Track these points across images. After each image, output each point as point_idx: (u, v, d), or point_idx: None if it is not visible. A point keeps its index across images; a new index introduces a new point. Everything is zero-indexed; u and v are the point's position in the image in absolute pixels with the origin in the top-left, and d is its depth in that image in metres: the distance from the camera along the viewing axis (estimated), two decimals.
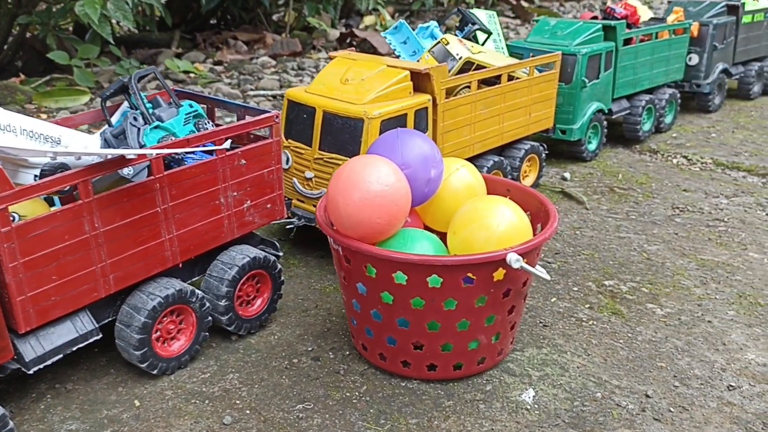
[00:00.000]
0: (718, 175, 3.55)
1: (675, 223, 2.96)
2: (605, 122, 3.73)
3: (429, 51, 2.76)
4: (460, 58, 2.69)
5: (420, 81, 2.56)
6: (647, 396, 1.86)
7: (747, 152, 3.88)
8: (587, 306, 2.31)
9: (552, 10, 10.02)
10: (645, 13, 4.21)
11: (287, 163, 2.59)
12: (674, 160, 3.80)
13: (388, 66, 2.54)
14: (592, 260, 2.63)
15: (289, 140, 2.58)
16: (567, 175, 3.48)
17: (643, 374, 1.95)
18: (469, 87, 2.74)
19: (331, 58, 2.73)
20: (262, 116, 2.07)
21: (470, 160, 2.90)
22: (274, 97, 5.34)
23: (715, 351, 2.06)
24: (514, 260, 1.70)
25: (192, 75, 5.90)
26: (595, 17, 4.00)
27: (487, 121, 2.86)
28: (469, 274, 1.73)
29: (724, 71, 4.66)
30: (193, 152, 1.95)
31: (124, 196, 1.77)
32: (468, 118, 2.76)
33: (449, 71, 2.70)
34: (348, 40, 7.35)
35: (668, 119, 4.26)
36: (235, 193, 2.04)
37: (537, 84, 3.07)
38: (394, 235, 1.86)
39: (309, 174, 2.50)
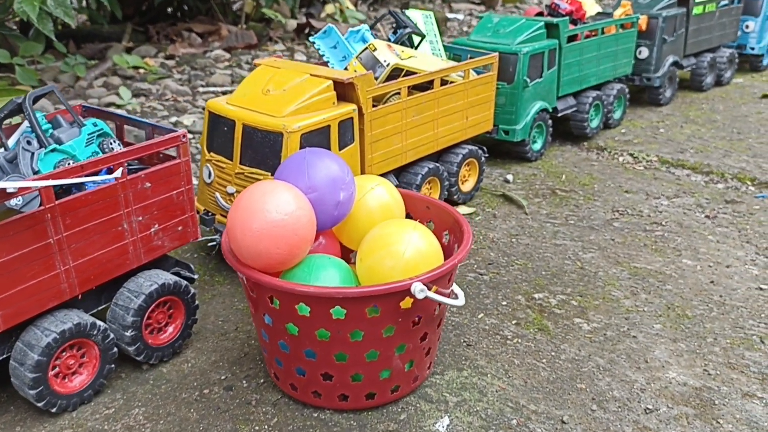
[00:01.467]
0: (661, 174, 3.53)
1: (613, 228, 2.93)
2: (550, 121, 3.68)
3: (357, 57, 2.68)
4: (388, 65, 2.61)
5: (345, 90, 2.48)
6: (563, 422, 1.82)
7: (693, 149, 3.86)
8: (514, 322, 2.26)
9: None
10: (592, 8, 4.15)
11: (209, 177, 2.50)
12: (620, 158, 3.76)
13: (311, 75, 2.46)
14: (525, 271, 2.58)
15: (211, 153, 2.49)
16: (509, 177, 3.43)
17: (562, 397, 1.91)
18: (399, 94, 2.67)
19: (255, 66, 2.64)
20: (168, 136, 1.98)
21: (403, 168, 2.84)
22: (224, 93, 5.22)
23: (636, 369, 2.02)
24: (419, 290, 1.64)
25: (142, 71, 5.75)
26: (541, 13, 3.94)
27: (420, 127, 2.80)
28: (374, 305, 1.67)
29: (675, 64, 4.63)
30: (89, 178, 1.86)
31: (10, 229, 1.67)
32: (398, 126, 2.69)
33: (377, 78, 2.63)
34: (306, 31, 7.23)
35: (617, 115, 4.22)
36: (141, 218, 1.95)
37: (473, 87, 3.00)
38: (300, 263, 1.79)
39: (231, 189, 2.42)
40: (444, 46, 3.30)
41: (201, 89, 5.23)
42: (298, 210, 1.70)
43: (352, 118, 2.47)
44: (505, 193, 3.24)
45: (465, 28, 8.05)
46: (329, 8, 8.05)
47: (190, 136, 4.06)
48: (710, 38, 4.93)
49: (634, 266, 2.62)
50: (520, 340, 2.17)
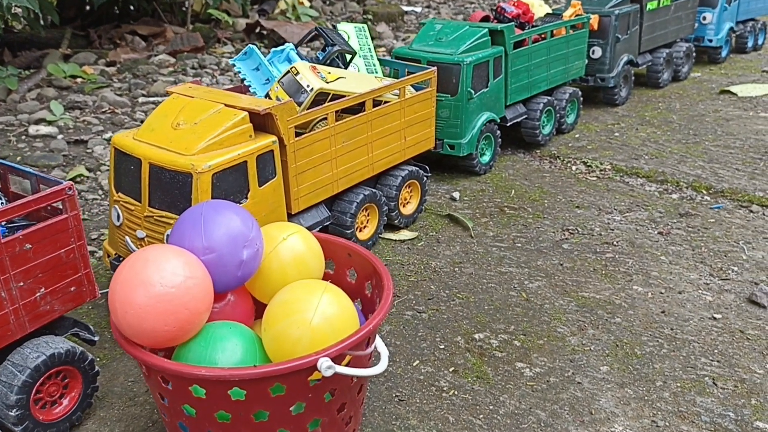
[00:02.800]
0: (615, 185, 3.38)
1: (561, 251, 2.77)
2: (499, 132, 3.51)
3: (278, 82, 2.47)
4: (312, 90, 2.40)
5: (264, 120, 2.28)
6: None
7: (648, 154, 3.72)
8: (451, 369, 2.10)
9: None
10: (540, 9, 3.99)
11: (118, 220, 2.28)
12: (573, 167, 3.61)
13: (225, 106, 2.25)
14: (466, 306, 2.42)
15: (119, 194, 2.27)
16: (456, 194, 3.25)
17: None
18: (326, 119, 2.47)
19: (167, 94, 2.42)
20: (50, 190, 1.76)
21: (337, 196, 2.65)
22: None
23: (580, 424, 1.87)
24: (326, 367, 1.45)
25: (79, 80, 5.47)
26: (487, 17, 3.75)
27: (353, 153, 2.60)
28: (277, 384, 1.48)
29: (630, 62, 4.48)
30: None
31: None
32: (327, 153, 2.49)
33: (301, 104, 2.42)
34: (257, 30, 6.97)
35: (570, 119, 4.07)
36: (22, 283, 1.74)
37: (410, 105, 2.81)
38: (198, 335, 1.60)
39: (141, 233, 2.20)
40: (380, 60, 3.10)
41: (141, 99, 4.97)
42: (189, 280, 1.50)
43: (272, 151, 2.27)
44: (451, 214, 3.06)
45: (424, 21, 7.85)
46: (282, 4, 7.79)
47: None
48: (666, 33, 4.79)
49: (582, 296, 2.46)
50: (456, 392, 2.00)
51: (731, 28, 5.50)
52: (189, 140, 2.15)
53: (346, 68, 2.79)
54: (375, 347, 1.68)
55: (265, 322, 1.62)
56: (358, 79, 2.65)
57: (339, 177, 2.58)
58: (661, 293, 2.47)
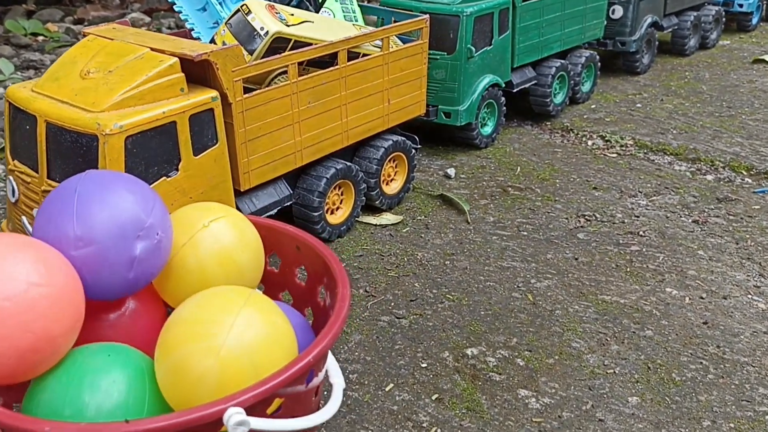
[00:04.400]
0: (638, 163, 2.87)
1: (576, 242, 2.27)
2: (503, 98, 3.00)
3: (226, 23, 1.96)
4: (267, 34, 1.89)
5: (204, 71, 1.78)
6: None
7: (676, 129, 3.20)
8: (435, 397, 1.62)
9: None
10: None
11: (14, 195, 1.79)
12: (589, 142, 3.10)
13: (151, 50, 1.74)
14: (458, 310, 1.93)
15: (15, 162, 1.78)
16: (451, 171, 2.75)
17: None
18: (286, 73, 1.96)
19: (83, 36, 1.91)
20: None
21: (302, 170, 2.15)
22: None
23: None
24: (234, 423, 0.97)
25: (41, 38, 4.95)
26: None
27: (322, 117, 2.10)
28: None
29: (654, 25, 3.95)
30: None
31: None
32: (288, 116, 1.99)
33: (255, 52, 1.91)
34: None
35: (586, 87, 3.54)
36: None
37: (396, 61, 2.30)
38: (60, 365, 1.11)
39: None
40: (362, 6, 2.57)
41: None
42: (35, 288, 1.01)
43: (211, 110, 1.77)
44: (444, 194, 2.56)
45: None
46: None
47: None
48: None
49: (602, 299, 1.97)
50: (440, 430, 1.52)
51: None
52: (99, 93, 1.65)
53: (317, 12, 2.27)
54: (326, 373, 1.20)
55: (159, 347, 1.13)
56: (330, 24, 2.14)
57: (304, 146, 2.08)
58: (702, 298, 1.98)
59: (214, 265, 1.31)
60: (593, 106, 3.51)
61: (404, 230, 2.36)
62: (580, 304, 1.95)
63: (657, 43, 4.08)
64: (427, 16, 2.39)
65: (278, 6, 2.01)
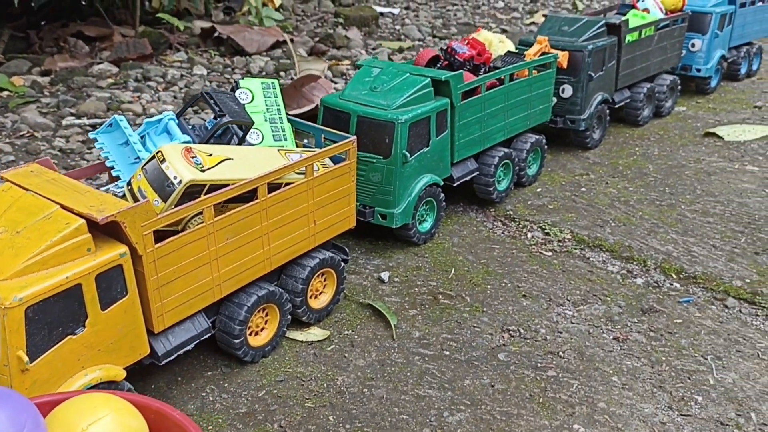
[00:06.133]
0: (572, 264, 2.92)
1: (496, 364, 2.32)
2: (442, 195, 3.05)
3: (142, 169, 2.00)
4: (180, 183, 1.93)
5: (113, 223, 1.82)
6: None
7: (615, 220, 3.26)
8: None
9: None
10: (501, 46, 3.50)
11: None
12: (529, 235, 3.15)
13: (61, 207, 1.78)
14: None
15: None
16: (385, 275, 2.79)
17: None
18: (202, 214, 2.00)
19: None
20: None
21: (226, 298, 2.19)
22: (93, 127, 4.47)
23: None
24: None
25: (6, 93, 4.97)
26: (437, 57, 3.27)
27: (242, 249, 2.14)
28: None
29: (605, 101, 4.01)
30: None
31: None
32: (204, 256, 2.03)
33: (168, 200, 1.95)
34: (215, 35, 6.44)
35: (532, 171, 3.60)
36: None
37: (322, 184, 2.34)
38: None
39: None
40: (293, 120, 2.61)
41: (67, 121, 4.48)
42: None
43: (120, 266, 1.81)
44: (373, 304, 2.61)
45: (398, 27, 7.34)
46: (248, 2, 7.23)
47: None
48: (648, 66, 4.31)
49: None
50: None
51: (722, 56, 5.02)
52: (4, 257, 1.69)
53: (241, 140, 2.31)
54: None
55: None
56: (253, 157, 2.18)
57: (223, 280, 2.12)
58: None
59: None
60: (539, 190, 3.57)
61: (329, 348, 2.40)
62: None
63: (608, 116, 4.14)
64: (354, 137, 2.43)
65: (196, 148, 2.04)
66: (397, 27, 7.37)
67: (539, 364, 2.32)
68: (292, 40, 6.41)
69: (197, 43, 6.32)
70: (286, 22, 7.19)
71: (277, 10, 7.43)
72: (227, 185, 2.04)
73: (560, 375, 2.28)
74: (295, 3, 8.11)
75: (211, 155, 2.05)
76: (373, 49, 6.52)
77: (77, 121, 4.49)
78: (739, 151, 4.03)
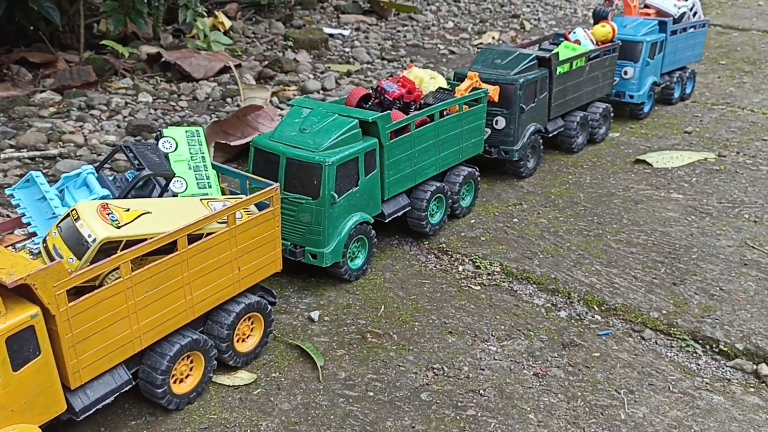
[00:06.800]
0: (499, 297, 3.01)
1: (418, 404, 2.38)
2: (373, 232, 3.11)
3: (57, 226, 2.02)
4: (94, 241, 1.96)
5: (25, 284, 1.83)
6: None
7: (543, 252, 3.36)
8: None
9: (416, 7, 9.32)
10: (433, 83, 3.59)
11: None
12: (460, 268, 3.23)
13: None
14: None
15: None
16: (315, 315, 2.84)
17: None
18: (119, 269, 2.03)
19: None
20: None
21: (149, 348, 2.21)
22: (32, 159, 4.44)
23: None
24: None
25: None
26: (368, 95, 3.34)
27: (162, 300, 2.17)
28: None
29: (538, 131, 4.13)
30: None
31: None
32: (122, 310, 2.05)
33: (82, 259, 1.97)
34: (162, 60, 6.42)
35: (465, 203, 3.69)
36: None
37: (246, 230, 2.38)
38: None
39: None
40: (219, 167, 2.65)
41: (5, 154, 4.43)
42: None
43: (31, 327, 1.83)
44: (301, 345, 2.65)
45: (348, 49, 7.41)
46: (203, 23, 7.21)
47: None
48: (580, 96, 4.45)
49: None
50: None
51: (654, 82, 5.20)
52: None
53: (163, 190, 2.34)
54: None
55: None
56: (173, 209, 2.21)
57: (143, 332, 2.14)
58: None
59: None
60: (473, 221, 3.66)
61: (256, 392, 2.43)
62: None
63: (542, 145, 4.27)
64: (277, 184, 2.48)
65: (113, 203, 2.07)
66: (347, 49, 7.44)
67: (460, 403, 2.39)
68: (240, 65, 6.43)
69: (144, 69, 6.30)
70: (236, 45, 7.21)
71: (226, 32, 7.45)
72: (145, 239, 2.06)
73: (479, 414, 2.35)
74: (246, 25, 8.14)
75: (128, 210, 2.08)
76: (322, 72, 6.58)
77: (16, 154, 4.45)
78: (666, 179, 4.19)
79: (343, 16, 8.91)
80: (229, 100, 5.74)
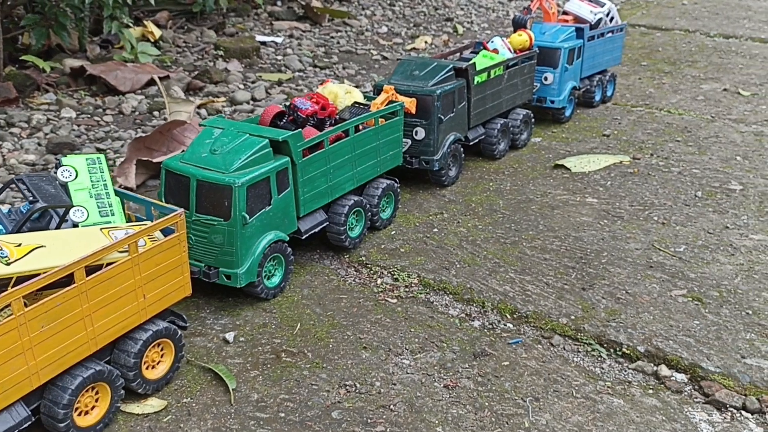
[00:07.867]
0: (415, 310, 3.07)
1: (329, 423, 2.41)
2: (289, 250, 3.13)
3: None
4: None
5: None
6: None
7: (461, 261, 3.44)
8: None
9: (350, 12, 9.34)
10: (348, 97, 3.62)
11: None
12: (379, 281, 3.28)
13: None
14: None
15: None
16: (230, 336, 2.84)
17: None
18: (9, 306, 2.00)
19: None
20: None
21: (50, 381, 2.18)
22: None
23: None
24: None
25: None
26: (282, 113, 3.35)
27: (60, 335, 2.14)
28: None
29: (458, 141, 4.21)
30: None
31: None
32: (15, 347, 2.02)
33: None
34: (86, 74, 6.28)
35: (386, 215, 3.74)
36: None
37: (150, 258, 2.37)
38: None
39: None
40: (122, 193, 2.63)
41: None
42: None
43: None
44: (214, 368, 2.65)
45: (280, 57, 7.39)
46: (134, 32, 7.08)
47: None
48: (500, 103, 4.56)
49: None
50: None
51: (574, 87, 5.35)
52: None
53: (61, 222, 2.32)
54: None
55: None
56: (69, 241, 2.19)
57: (40, 367, 2.11)
58: None
59: None
60: (393, 233, 3.71)
61: (165, 419, 2.43)
62: None
63: (463, 154, 4.35)
64: (182, 210, 2.47)
65: (3, 239, 2.04)
66: (279, 57, 7.42)
67: (370, 420, 2.44)
68: (167, 77, 6.35)
69: (68, 83, 6.16)
70: (165, 55, 7.11)
71: (156, 42, 7.34)
72: (38, 275, 2.04)
73: (388, 430, 2.39)
74: (177, 34, 8.03)
75: (19, 245, 2.05)
76: (252, 82, 6.55)
77: None
78: (583, 183, 4.32)
79: (277, 23, 8.87)
80: (156, 113, 5.67)
